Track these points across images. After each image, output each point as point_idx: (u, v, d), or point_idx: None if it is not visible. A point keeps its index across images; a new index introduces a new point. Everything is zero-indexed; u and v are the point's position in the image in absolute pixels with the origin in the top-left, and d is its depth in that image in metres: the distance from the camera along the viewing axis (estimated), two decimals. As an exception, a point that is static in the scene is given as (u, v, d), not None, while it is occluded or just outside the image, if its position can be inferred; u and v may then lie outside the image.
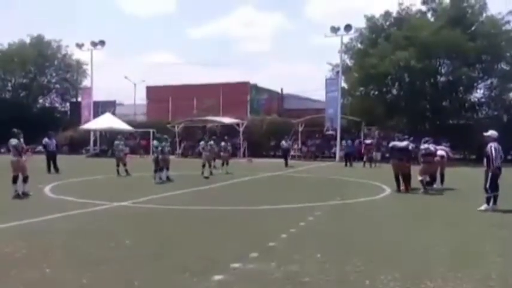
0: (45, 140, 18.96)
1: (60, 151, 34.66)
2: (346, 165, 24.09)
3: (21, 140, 11.06)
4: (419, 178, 12.07)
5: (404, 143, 12.82)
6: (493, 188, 9.10)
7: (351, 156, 24.88)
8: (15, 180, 10.63)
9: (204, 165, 17.07)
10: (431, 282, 4.57)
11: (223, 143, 19.71)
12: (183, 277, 4.75)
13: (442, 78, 30.01)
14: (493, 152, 9.06)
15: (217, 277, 4.67)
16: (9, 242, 6.27)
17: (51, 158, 18.18)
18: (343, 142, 27.18)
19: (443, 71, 30.07)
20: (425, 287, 4.48)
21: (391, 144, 13.43)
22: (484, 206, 9.15)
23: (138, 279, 4.64)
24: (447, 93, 29.42)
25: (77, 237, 6.64)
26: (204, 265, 5.15)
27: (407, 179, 12.39)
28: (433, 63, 28.95)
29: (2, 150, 32.88)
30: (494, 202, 9.13)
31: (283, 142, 25.55)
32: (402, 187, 12.47)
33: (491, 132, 9.38)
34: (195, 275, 4.78)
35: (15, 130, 11.05)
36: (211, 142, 18.48)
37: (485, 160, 9.28)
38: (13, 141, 10.80)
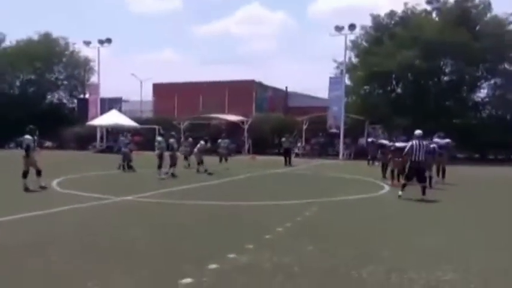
0: (121, 139, 19.79)
1: (68, 147, 35.65)
2: (368, 163, 23.09)
3: (36, 137, 11.43)
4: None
5: (384, 141, 16.65)
6: (408, 178, 10.98)
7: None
8: (25, 175, 11.04)
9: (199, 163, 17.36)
10: (415, 275, 4.82)
11: (219, 140, 19.92)
12: (181, 265, 5.06)
13: (446, 78, 30.19)
14: (408, 147, 10.95)
15: (212, 266, 4.98)
16: (15, 234, 6.62)
17: (126, 156, 18.40)
18: (362, 140, 26.03)
19: (447, 70, 30.23)
20: (408, 278, 4.75)
21: (371, 139, 17.71)
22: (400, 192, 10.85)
23: (139, 267, 4.97)
24: (451, 93, 29.54)
25: (82, 230, 6.97)
26: (201, 255, 5.47)
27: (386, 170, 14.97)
28: (437, 62, 29.06)
29: (11, 145, 33.49)
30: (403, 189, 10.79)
31: (284, 140, 24.17)
32: (393, 181, 13.48)
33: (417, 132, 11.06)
34: (192, 263, 5.09)
35: (31, 127, 11.41)
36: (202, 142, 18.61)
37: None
38: (27, 139, 11.16)
